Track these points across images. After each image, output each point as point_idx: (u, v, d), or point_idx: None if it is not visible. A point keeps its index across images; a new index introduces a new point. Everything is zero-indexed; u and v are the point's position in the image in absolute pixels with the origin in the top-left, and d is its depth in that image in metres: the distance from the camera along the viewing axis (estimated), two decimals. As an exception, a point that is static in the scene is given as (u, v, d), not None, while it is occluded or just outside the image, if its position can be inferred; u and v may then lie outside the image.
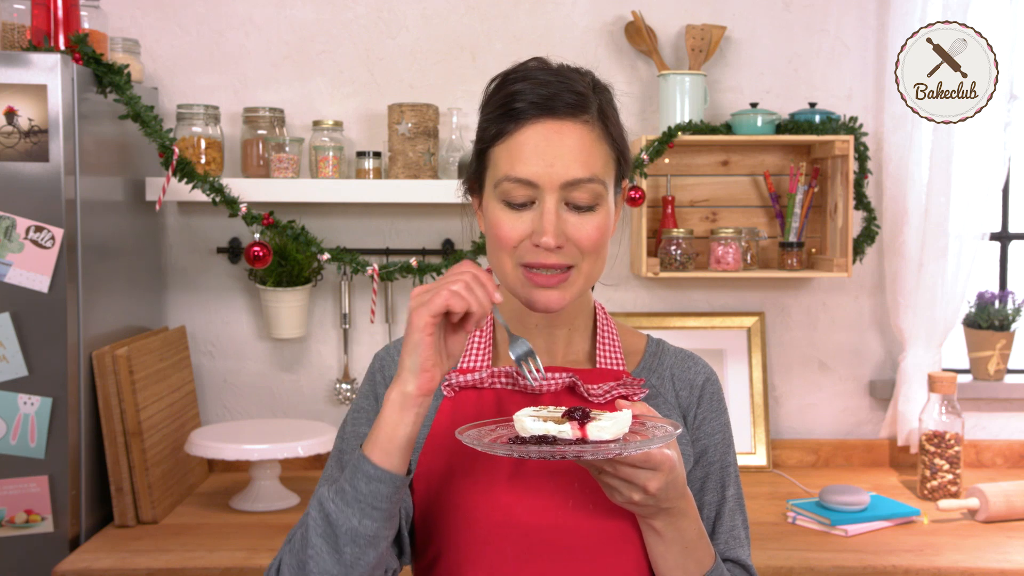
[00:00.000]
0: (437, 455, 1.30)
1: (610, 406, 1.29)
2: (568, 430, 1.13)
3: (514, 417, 1.17)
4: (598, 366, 1.36)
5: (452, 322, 1.18)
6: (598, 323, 1.40)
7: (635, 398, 1.33)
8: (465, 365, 1.36)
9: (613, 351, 1.38)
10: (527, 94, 1.25)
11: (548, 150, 1.23)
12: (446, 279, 1.16)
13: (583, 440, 1.12)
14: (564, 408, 1.18)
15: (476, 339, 1.38)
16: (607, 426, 1.13)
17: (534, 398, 1.32)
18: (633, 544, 1.27)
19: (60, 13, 2.31)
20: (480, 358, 1.36)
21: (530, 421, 1.15)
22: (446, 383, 1.34)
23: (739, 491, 1.40)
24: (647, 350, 1.43)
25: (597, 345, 1.38)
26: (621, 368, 1.37)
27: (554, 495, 1.26)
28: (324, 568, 1.16)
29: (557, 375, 1.32)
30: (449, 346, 1.18)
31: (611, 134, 1.28)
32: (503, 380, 1.33)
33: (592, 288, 1.46)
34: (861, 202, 2.78)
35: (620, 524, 1.26)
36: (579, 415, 1.14)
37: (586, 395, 1.31)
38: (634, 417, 1.19)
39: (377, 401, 1.36)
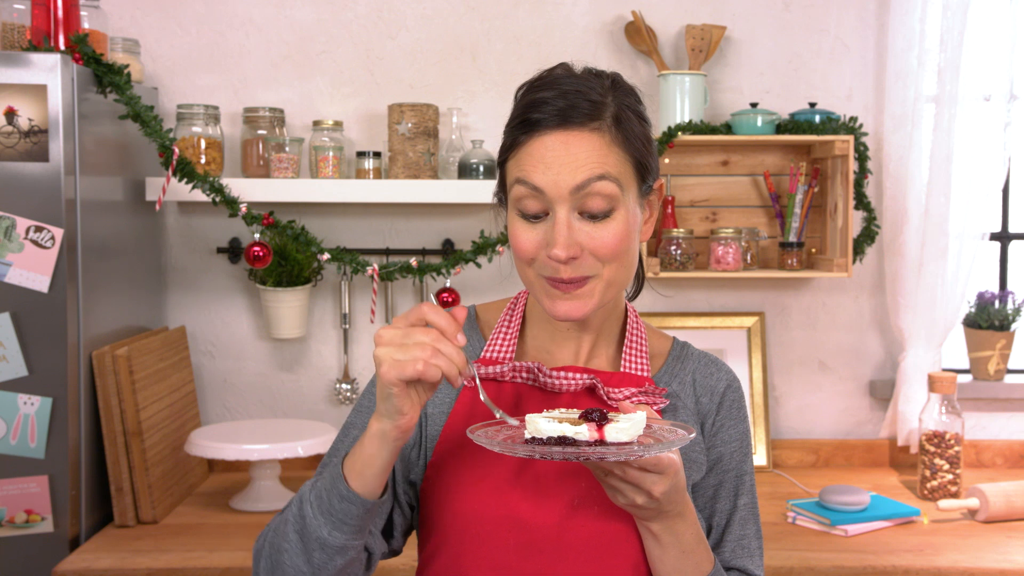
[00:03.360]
0: (451, 447, 1.31)
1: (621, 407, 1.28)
2: (585, 431, 1.12)
3: (526, 419, 1.16)
4: (622, 370, 1.35)
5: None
6: (628, 327, 1.38)
7: (655, 407, 1.32)
8: (489, 355, 1.35)
9: (639, 356, 1.36)
10: (540, 105, 1.23)
11: (555, 160, 1.21)
12: (411, 339, 1.11)
13: (602, 442, 1.12)
14: (579, 410, 1.17)
15: (503, 330, 1.37)
16: (625, 427, 1.12)
17: (553, 397, 1.32)
18: (633, 546, 1.27)
19: (60, 13, 2.31)
20: (505, 349, 1.35)
21: (544, 423, 1.13)
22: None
23: (753, 500, 1.38)
24: (671, 353, 1.41)
25: (624, 349, 1.36)
26: (645, 374, 1.35)
27: (560, 496, 1.26)
28: (295, 563, 1.21)
29: (577, 376, 1.31)
30: (422, 391, 1.16)
31: (627, 139, 1.24)
32: (524, 375, 1.32)
33: (635, 295, 1.44)
34: (861, 202, 2.78)
35: (621, 526, 1.26)
36: (597, 416, 1.14)
37: (605, 398, 1.30)
38: None
39: None
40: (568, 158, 1.21)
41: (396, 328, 1.13)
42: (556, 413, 1.18)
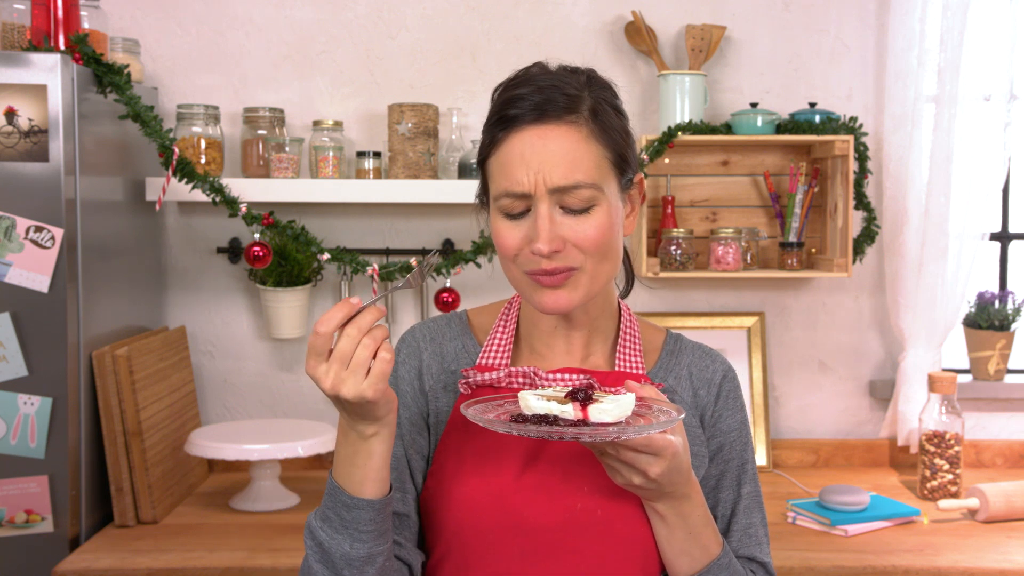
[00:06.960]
0: (449, 452, 1.31)
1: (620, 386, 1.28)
2: (570, 411, 1.13)
3: (519, 395, 1.17)
4: (617, 368, 1.35)
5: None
6: (622, 325, 1.38)
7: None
8: (485, 362, 1.35)
9: (634, 354, 1.36)
10: (517, 101, 1.24)
11: (533, 157, 1.22)
12: (350, 353, 1.12)
13: (584, 422, 1.12)
14: (568, 389, 1.18)
15: (498, 334, 1.37)
16: (609, 408, 1.13)
17: None
18: (640, 544, 1.26)
19: (60, 13, 2.31)
20: (500, 354, 1.35)
21: (534, 400, 1.15)
22: (464, 380, 1.33)
23: (756, 489, 1.38)
24: (664, 348, 1.41)
25: (618, 348, 1.36)
26: (640, 371, 1.35)
27: (563, 496, 1.26)
28: None
29: (574, 376, 1.31)
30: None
31: (605, 132, 1.25)
32: (520, 380, 1.32)
33: (626, 292, 1.45)
34: (861, 202, 2.78)
35: (628, 523, 1.26)
36: (581, 396, 1.14)
37: None
38: (640, 400, 1.19)
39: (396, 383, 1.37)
40: (547, 154, 1.22)
41: (328, 364, 1.13)
42: (550, 391, 1.18)
